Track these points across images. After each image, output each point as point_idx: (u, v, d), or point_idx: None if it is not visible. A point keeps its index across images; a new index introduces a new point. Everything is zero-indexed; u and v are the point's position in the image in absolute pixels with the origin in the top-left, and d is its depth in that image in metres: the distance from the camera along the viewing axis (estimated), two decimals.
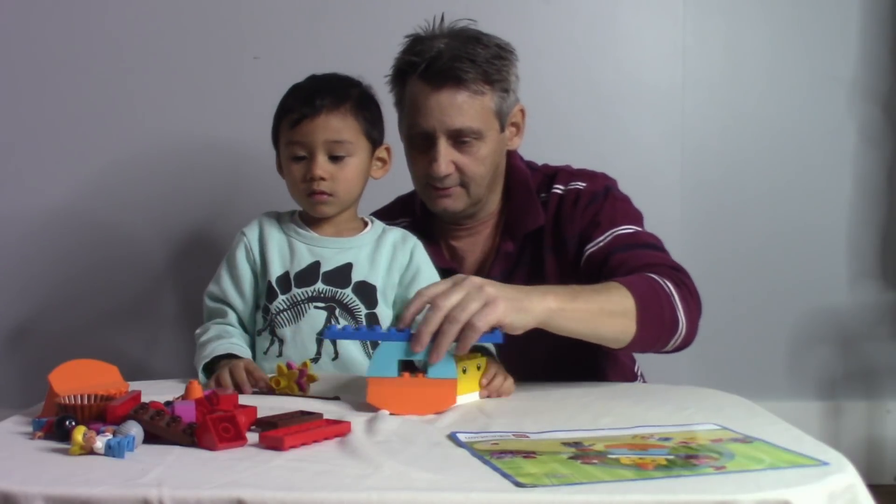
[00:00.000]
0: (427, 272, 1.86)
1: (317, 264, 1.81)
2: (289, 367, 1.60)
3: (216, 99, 2.59)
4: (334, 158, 1.79)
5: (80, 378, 1.40)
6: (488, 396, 1.59)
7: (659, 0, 2.65)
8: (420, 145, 1.90)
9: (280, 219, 1.88)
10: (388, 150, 1.89)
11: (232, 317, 1.83)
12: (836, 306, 2.73)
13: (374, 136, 1.85)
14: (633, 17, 2.66)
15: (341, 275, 1.81)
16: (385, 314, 1.81)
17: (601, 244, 1.89)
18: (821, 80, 2.70)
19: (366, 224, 1.89)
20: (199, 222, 2.61)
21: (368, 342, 1.79)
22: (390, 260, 1.84)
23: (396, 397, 1.46)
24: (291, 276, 1.80)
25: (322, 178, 1.78)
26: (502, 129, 1.94)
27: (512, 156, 2.03)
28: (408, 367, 1.49)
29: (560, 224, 1.95)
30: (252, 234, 1.85)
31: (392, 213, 2.03)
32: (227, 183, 2.60)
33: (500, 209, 2.02)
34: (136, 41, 2.58)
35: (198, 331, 1.82)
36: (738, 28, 2.69)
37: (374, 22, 2.58)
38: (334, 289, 1.80)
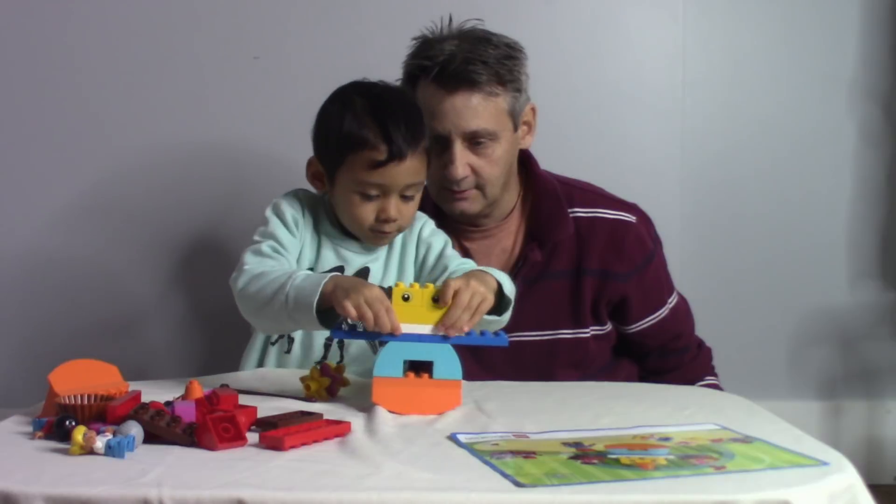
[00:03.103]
0: (437, 247, 1.81)
1: (340, 269, 1.76)
2: (323, 371, 1.55)
3: (216, 99, 2.58)
4: (405, 198, 1.72)
5: (80, 378, 1.40)
6: (444, 334, 1.49)
7: (659, 0, 2.65)
8: (434, 149, 1.89)
9: (312, 204, 1.79)
10: None
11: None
12: (836, 306, 2.73)
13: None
14: (633, 17, 2.66)
15: None
16: None
17: (658, 319, 2.06)
18: (821, 80, 2.69)
19: None
20: (203, 223, 2.60)
21: (377, 347, 1.78)
22: (401, 255, 1.81)
23: (401, 397, 1.46)
24: None
25: (394, 220, 1.71)
26: (515, 129, 1.94)
27: (533, 163, 2.03)
28: (413, 367, 1.48)
29: (590, 246, 1.98)
30: (297, 207, 1.75)
31: None
32: (229, 183, 2.59)
33: (520, 214, 2.02)
34: (134, 42, 2.56)
35: (241, 281, 1.63)
36: (738, 28, 2.69)
37: (374, 22, 2.57)
38: None
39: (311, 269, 1.74)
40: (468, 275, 1.56)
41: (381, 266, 1.80)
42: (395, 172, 1.68)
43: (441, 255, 1.80)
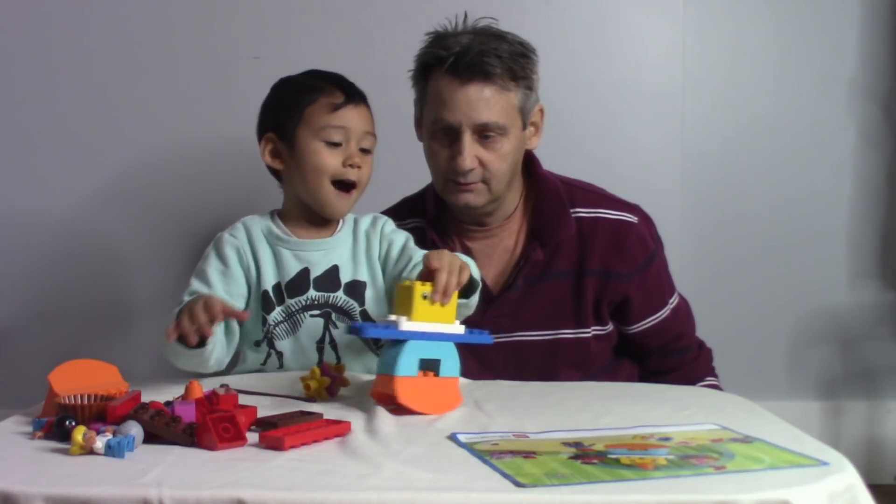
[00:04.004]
0: (399, 242, 1.84)
1: (306, 271, 1.78)
2: (323, 371, 1.56)
3: (216, 99, 2.58)
4: (363, 151, 1.78)
5: (80, 378, 1.40)
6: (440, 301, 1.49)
7: (659, 0, 2.65)
8: (443, 139, 1.91)
9: (261, 224, 1.82)
10: None
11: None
12: (836, 306, 2.73)
13: None
14: (633, 17, 2.66)
15: (330, 278, 1.78)
16: (373, 309, 1.79)
17: (659, 319, 2.06)
18: (821, 80, 2.69)
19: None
20: (205, 222, 2.59)
21: (371, 346, 1.78)
22: (367, 250, 1.83)
23: (421, 396, 1.46)
24: (283, 286, 1.77)
25: (358, 166, 1.77)
26: (524, 127, 1.95)
27: (535, 163, 2.04)
28: (423, 366, 1.48)
29: (592, 247, 1.98)
30: (241, 236, 1.80)
31: (400, 215, 2.01)
32: (229, 183, 2.59)
33: (522, 214, 2.03)
34: (135, 42, 2.57)
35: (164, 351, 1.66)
36: (738, 28, 2.69)
37: (373, 22, 2.58)
38: (326, 293, 1.77)
39: (279, 282, 1.77)
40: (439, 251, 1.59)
41: (349, 261, 1.81)
42: (353, 115, 1.77)
43: (404, 248, 1.83)
